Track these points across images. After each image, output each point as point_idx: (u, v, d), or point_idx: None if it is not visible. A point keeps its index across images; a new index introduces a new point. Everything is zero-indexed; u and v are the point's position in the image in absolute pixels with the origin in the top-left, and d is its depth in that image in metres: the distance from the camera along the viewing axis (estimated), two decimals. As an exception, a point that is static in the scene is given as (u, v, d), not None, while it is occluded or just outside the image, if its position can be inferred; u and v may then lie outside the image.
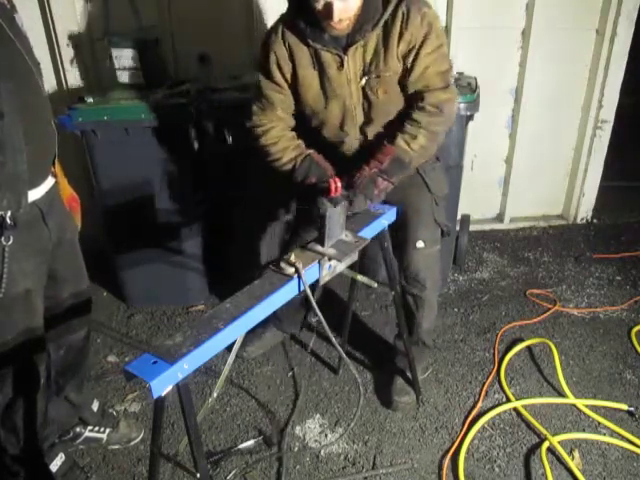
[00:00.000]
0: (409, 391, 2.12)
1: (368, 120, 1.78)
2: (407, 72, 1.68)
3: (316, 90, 1.74)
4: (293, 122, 1.85)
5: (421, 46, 1.64)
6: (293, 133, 1.84)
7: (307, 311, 2.40)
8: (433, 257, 1.96)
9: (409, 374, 2.10)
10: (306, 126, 1.85)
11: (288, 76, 1.75)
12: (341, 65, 1.68)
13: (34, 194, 1.42)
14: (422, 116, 1.68)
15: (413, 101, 1.72)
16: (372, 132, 1.80)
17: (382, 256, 1.81)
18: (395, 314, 1.98)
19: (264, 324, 2.07)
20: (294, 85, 1.76)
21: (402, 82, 1.71)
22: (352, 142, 1.83)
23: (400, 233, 1.88)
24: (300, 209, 1.96)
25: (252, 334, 2.32)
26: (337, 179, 1.64)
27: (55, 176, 1.55)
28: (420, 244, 1.88)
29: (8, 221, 1.34)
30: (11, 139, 1.30)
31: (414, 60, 1.66)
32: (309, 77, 1.73)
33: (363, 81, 1.70)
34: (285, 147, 1.79)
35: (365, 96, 1.73)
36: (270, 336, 2.41)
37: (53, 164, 1.53)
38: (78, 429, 1.91)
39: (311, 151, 1.80)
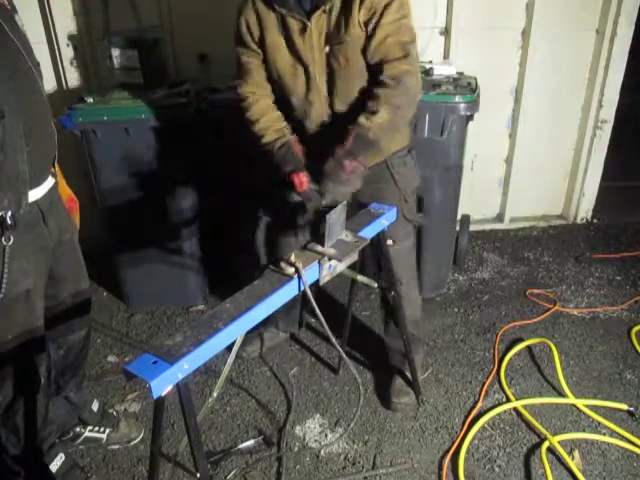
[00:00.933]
0: (408, 391, 2.11)
1: (331, 90, 1.75)
2: (368, 41, 1.66)
3: (283, 55, 1.74)
4: (272, 95, 1.85)
5: (382, 14, 1.60)
6: (279, 113, 1.83)
7: (301, 308, 2.40)
8: (405, 252, 1.96)
9: (408, 374, 2.09)
10: (276, 97, 1.84)
11: (257, 41, 1.76)
12: (304, 30, 1.67)
13: (34, 194, 1.42)
14: (381, 90, 1.64)
15: (374, 75, 1.69)
16: (337, 107, 1.76)
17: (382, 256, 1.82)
18: (395, 314, 1.98)
19: (264, 324, 2.07)
20: (263, 51, 1.77)
21: (364, 52, 1.70)
22: (318, 115, 1.78)
23: None
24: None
25: (252, 334, 2.32)
26: (302, 174, 1.62)
27: (55, 176, 1.55)
28: (389, 242, 1.85)
29: (8, 221, 1.34)
30: (11, 139, 1.30)
31: (374, 28, 1.63)
32: (276, 42, 1.73)
33: (327, 48, 1.69)
34: (267, 127, 1.80)
35: (328, 64, 1.71)
36: (270, 336, 2.41)
37: (53, 164, 1.54)
38: (78, 429, 1.91)
39: (292, 137, 1.79)
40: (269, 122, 1.80)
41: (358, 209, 1.72)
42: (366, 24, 1.64)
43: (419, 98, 1.73)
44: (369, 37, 1.65)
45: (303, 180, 1.62)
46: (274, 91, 1.84)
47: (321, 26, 1.67)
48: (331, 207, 1.44)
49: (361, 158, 1.63)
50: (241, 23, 1.75)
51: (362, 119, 1.64)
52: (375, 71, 1.68)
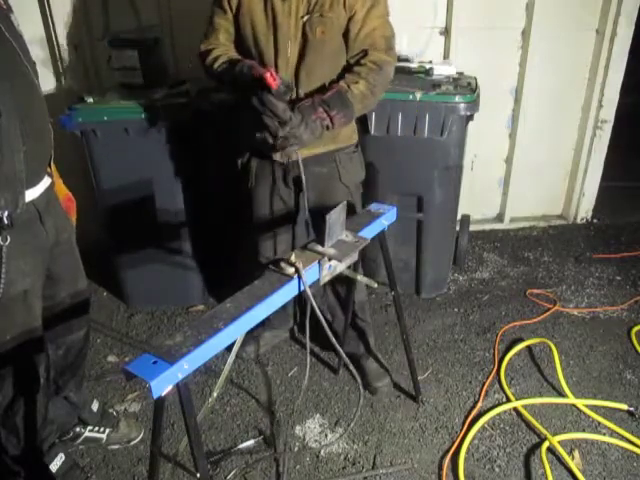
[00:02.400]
0: (384, 373, 2.20)
1: (300, 61, 1.77)
2: (354, 27, 1.73)
3: (259, 20, 1.76)
4: (234, 51, 1.87)
5: (372, 6, 1.72)
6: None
7: (296, 303, 2.41)
8: None
9: (381, 358, 2.24)
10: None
11: (235, 4, 1.78)
12: None
13: (31, 194, 1.42)
14: (362, 69, 1.74)
15: (353, 61, 1.78)
16: (302, 79, 1.78)
17: (382, 256, 1.82)
18: (395, 314, 1.98)
19: (264, 324, 2.07)
20: (238, 13, 1.79)
21: (346, 36, 1.76)
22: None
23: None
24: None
25: (252, 334, 2.32)
26: (273, 71, 1.61)
27: (51, 176, 1.55)
28: None
29: (5, 221, 1.34)
30: (8, 139, 1.30)
31: (365, 18, 1.72)
32: (254, 5, 1.76)
33: (305, 18, 1.72)
34: (224, 52, 1.84)
35: (303, 34, 1.74)
36: (270, 336, 2.41)
37: (49, 164, 1.53)
38: (78, 429, 1.91)
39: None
40: (225, 50, 1.85)
41: (309, 212, 1.82)
42: (352, 9, 1.71)
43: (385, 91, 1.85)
44: (355, 25, 1.73)
45: (276, 76, 1.58)
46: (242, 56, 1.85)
47: None
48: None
49: (333, 113, 1.68)
50: None
51: (343, 83, 1.73)
52: (356, 57, 1.78)
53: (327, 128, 1.69)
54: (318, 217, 1.49)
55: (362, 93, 1.73)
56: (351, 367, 1.61)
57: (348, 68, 1.78)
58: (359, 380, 1.64)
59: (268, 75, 1.53)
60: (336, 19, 1.72)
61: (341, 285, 2.08)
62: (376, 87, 1.76)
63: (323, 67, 1.79)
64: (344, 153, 1.94)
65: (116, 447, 1.95)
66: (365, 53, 1.75)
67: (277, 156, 1.87)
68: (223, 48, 1.86)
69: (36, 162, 1.43)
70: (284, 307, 2.32)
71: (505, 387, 2.18)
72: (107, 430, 1.95)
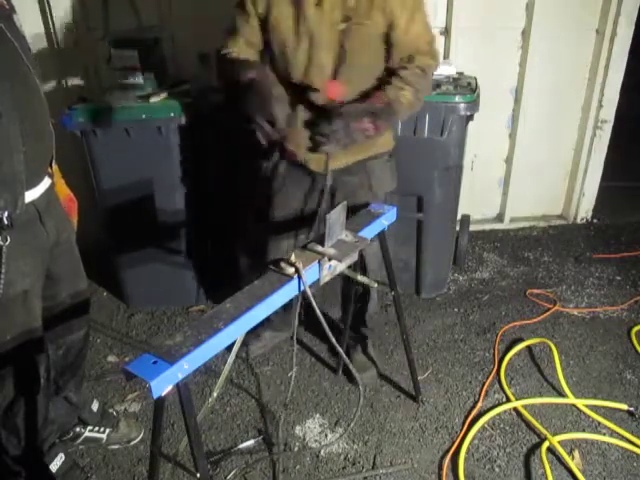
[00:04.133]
0: (370, 366, 2.20)
1: (336, 70, 1.70)
2: (398, 33, 1.67)
3: (288, 27, 1.68)
4: (256, 56, 1.78)
5: (414, 11, 1.67)
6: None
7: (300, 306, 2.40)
8: (376, 248, 1.94)
9: (370, 351, 2.27)
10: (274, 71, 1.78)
11: (261, 8, 1.69)
12: (320, 2, 1.63)
13: (31, 194, 1.42)
14: (408, 74, 1.68)
15: (399, 66, 1.72)
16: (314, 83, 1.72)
17: (382, 256, 1.82)
18: (395, 314, 1.98)
19: (264, 324, 2.07)
20: (266, 21, 1.70)
21: (386, 42, 1.69)
22: (317, 97, 1.73)
23: None
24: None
25: (252, 334, 2.32)
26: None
27: (52, 177, 1.55)
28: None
29: (5, 221, 1.34)
30: (8, 139, 1.30)
31: (409, 23, 1.66)
32: (284, 12, 1.67)
33: (342, 25, 1.64)
34: (251, 60, 1.73)
35: (341, 43, 1.66)
36: (270, 336, 2.41)
37: (50, 165, 1.53)
38: (78, 429, 1.91)
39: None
40: (250, 59, 1.73)
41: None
42: (392, 14, 1.64)
43: None
44: (399, 31, 1.67)
45: (339, 87, 1.56)
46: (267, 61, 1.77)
47: (336, 1, 1.63)
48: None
49: (379, 123, 1.63)
50: None
51: (392, 93, 1.67)
52: (401, 62, 1.72)
53: (369, 137, 1.66)
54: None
55: (409, 102, 1.68)
56: (351, 367, 1.61)
57: (393, 72, 1.71)
58: (359, 380, 1.64)
59: (332, 86, 1.52)
60: (374, 26, 1.65)
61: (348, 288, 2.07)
62: (422, 92, 1.73)
63: (361, 76, 1.73)
64: (377, 161, 1.89)
65: (116, 447, 1.95)
66: (410, 58, 1.70)
67: (312, 165, 1.82)
68: (243, 55, 1.74)
69: (36, 163, 1.43)
70: (286, 310, 2.33)
71: (505, 387, 2.18)
72: (107, 430, 1.95)
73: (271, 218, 1.99)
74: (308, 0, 1.64)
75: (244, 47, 1.76)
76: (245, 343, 2.11)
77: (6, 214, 1.34)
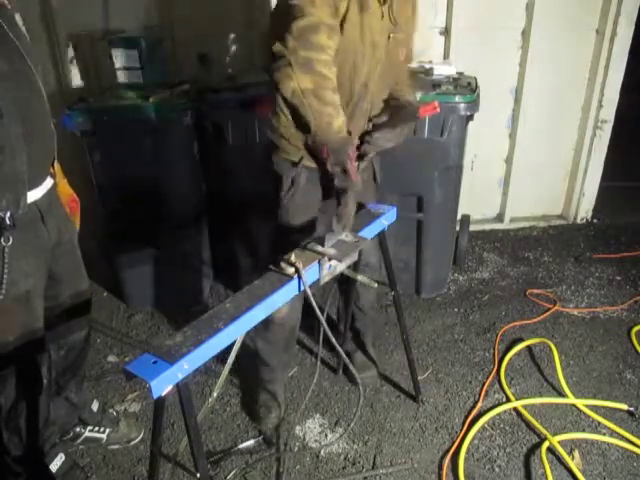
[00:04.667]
0: (370, 366, 2.21)
1: (368, 77, 1.65)
2: (406, 41, 1.72)
3: (357, 35, 1.59)
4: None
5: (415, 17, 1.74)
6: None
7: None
8: (374, 242, 1.90)
9: (371, 351, 2.27)
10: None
11: (343, 6, 1.53)
12: (382, 13, 1.61)
13: (33, 195, 1.42)
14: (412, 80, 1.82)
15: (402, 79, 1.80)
16: (369, 92, 1.69)
17: (382, 256, 1.82)
18: (395, 314, 1.98)
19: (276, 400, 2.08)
20: (344, 17, 1.57)
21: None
22: (369, 102, 1.72)
23: None
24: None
25: (276, 401, 2.25)
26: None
27: (54, 177, 1.55)
28: None
29: (7, 222, 1.34)
30: (10, 139, 1.30)
31: (412, 31, 1.74)
32: (355, 19, 1.57)
33: (391, 36, 1.65)
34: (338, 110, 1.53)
35: (387, 53, 1.66)
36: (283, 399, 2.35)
37: (52, 165, 1.54)
38: (78, 429, 1.91)
39: None
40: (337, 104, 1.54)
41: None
42: (407, 24, 1.68)
43: None
44: (408, 38, 1.72)
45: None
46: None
47: (386, 11, 1.62)
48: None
49: (398, 129, 1.68)
50: None
51: (411, 97, 1.79)
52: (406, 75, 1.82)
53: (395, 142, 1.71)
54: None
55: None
56: (351, 367, 1.61)
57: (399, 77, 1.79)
58: (359, 380, 1.64)
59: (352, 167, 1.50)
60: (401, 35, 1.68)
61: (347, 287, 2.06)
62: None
63: (387, 81, 1.74)
64: (380, 153, 1.87)
65: (116, 447, 1.95)
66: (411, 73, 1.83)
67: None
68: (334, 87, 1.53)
69: (38, 163, 1.43)
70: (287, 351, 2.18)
71: (505, 387, 2.18)
72: (107, 430, 1.95)
73: (288, 223, 1.87)
74: (374, 9, 1.59)
75: (329, 46, 1.51)
76: (268, 410, 2.06)
77: (8, 214, 1.34)
